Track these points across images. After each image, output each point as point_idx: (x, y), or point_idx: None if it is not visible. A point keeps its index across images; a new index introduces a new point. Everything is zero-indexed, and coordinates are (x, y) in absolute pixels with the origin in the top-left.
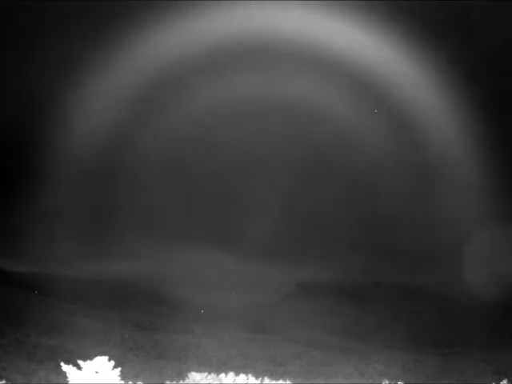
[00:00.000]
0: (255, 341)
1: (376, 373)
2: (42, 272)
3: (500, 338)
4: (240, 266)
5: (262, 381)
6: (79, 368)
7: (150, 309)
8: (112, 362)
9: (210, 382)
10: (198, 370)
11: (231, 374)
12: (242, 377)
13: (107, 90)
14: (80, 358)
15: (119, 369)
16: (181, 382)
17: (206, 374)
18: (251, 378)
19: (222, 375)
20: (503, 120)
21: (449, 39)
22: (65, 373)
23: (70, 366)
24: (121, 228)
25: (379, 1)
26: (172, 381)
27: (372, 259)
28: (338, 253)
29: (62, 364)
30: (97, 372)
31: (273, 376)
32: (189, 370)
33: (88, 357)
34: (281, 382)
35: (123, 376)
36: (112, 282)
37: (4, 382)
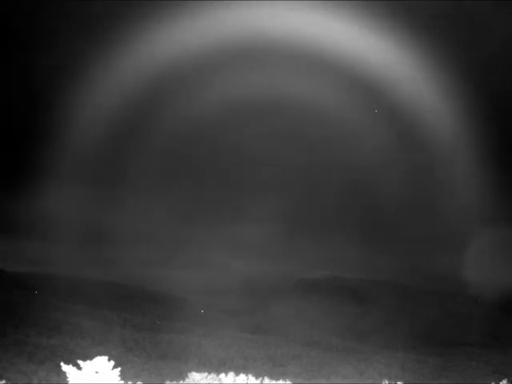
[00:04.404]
0: (255, 341)
1: (376, 373)
2: (42, 272)
3: (500, 338)
4: (240, 266)
5: (262, 381)
6: (79, 368)
7: (150, 309)
8: (112, 362)
9: (210, 381)
10: (198, 370)
11: (231, 374)
12: (242, 377)
13: (108, 90)
14: (80, 358)
15: (119, 369)
16: (181, 382)
17: (206, 374)
18: (251, 378)
19: (222, 375)
20: (504, 119)
21: (450, 39)
22: (65, 373)
23: (70, 366)
24: (121, 228)
25: (381, 1)
26: (172, 381)
27: (372, 259)
28: (338, 253)
29: (61, 364)
30: (97, 372)
31: (273, 376)
32: (189, 370)
33: (88, 357)
34: (281, 381)
35: (123, 376)
36: (112, 282)
37: (4, 381)
